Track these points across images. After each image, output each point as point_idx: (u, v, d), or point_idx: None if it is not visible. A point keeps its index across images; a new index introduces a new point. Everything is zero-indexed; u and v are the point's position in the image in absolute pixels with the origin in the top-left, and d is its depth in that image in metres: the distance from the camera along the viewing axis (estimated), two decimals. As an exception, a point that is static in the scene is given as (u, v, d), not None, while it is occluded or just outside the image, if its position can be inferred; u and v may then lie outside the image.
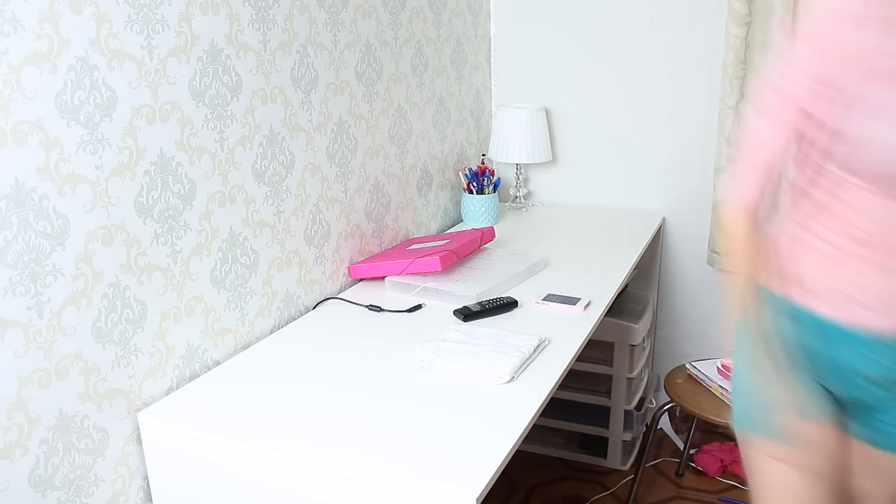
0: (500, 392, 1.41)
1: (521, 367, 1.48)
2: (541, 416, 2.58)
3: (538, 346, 1.56)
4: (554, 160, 2.81)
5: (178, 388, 1.48)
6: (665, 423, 2.73)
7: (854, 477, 1.23)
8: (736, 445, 2.54)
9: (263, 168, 1.66)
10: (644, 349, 2.54)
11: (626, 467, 2.53)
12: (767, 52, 2.33)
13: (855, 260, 1.11)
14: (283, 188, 1.73)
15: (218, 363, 1.58)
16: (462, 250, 1.97)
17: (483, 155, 2.69)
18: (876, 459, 1.22)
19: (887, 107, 1.01)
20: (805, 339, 1.18)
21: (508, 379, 1.43)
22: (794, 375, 1.19)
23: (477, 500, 1.11)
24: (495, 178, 2.56)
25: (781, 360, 1.19)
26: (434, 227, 2.48)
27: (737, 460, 2.48)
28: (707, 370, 2.16)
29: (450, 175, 2.57)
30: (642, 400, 2.61)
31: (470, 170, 2.54)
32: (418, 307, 1.82)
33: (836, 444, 1.20)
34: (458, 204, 2.64)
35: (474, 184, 2.53)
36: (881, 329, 1.11)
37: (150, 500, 1.43)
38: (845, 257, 1.12)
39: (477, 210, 2.53)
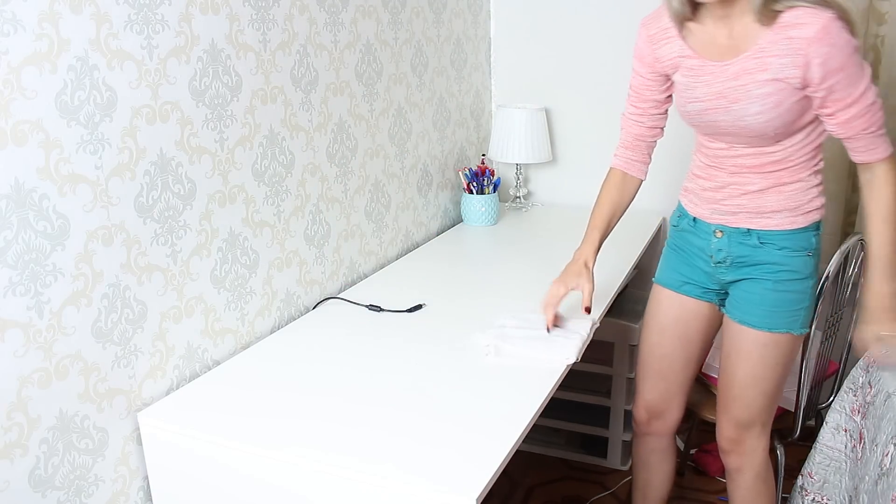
0: (500, 392, 1.41)
1: (582, 347, 1.56)
2: (541, 416, 2.57)
3: (592, 326, 1.66)
4: (554, 160, 2.81)
5: (178, 388, 1.48)
6: (665, 423, 2.72)
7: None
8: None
9: (263, 168, 1.66)
10: (644, 349, 2.54)
11: (626, 467, 2.53)
12: None
13: (697, 178, 1.67)
14: (283, 188, 1.73)
15: (218, 363, 1.58)
16: None
17: (483, 155, 2.69)
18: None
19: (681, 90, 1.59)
20: (683, 229, 1.73)
21: (575, 360, 1.51)
22: (672, 256, 1.77)
23: (477, 500, 1.11)
24: (495, 178, 2.56)
25: (671, 246, 1.78)
26: (434, 227, 2.48)
27: (737, 460, 2.48)
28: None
29: (450, 175, 2.57)
30: (642, 400, 2.61)
31: (470, 170, 2.54)
32: (418, 307, 1.82)
33: (678, 304, 1.76)
34: (458, 204, 2.64)
35: (474, 184, 2.53)
36: (713, 222, 1.64)
37: (150, 500, 1.43)
38: (693, 177, 1.69)
39: (477, 210, 2.53)
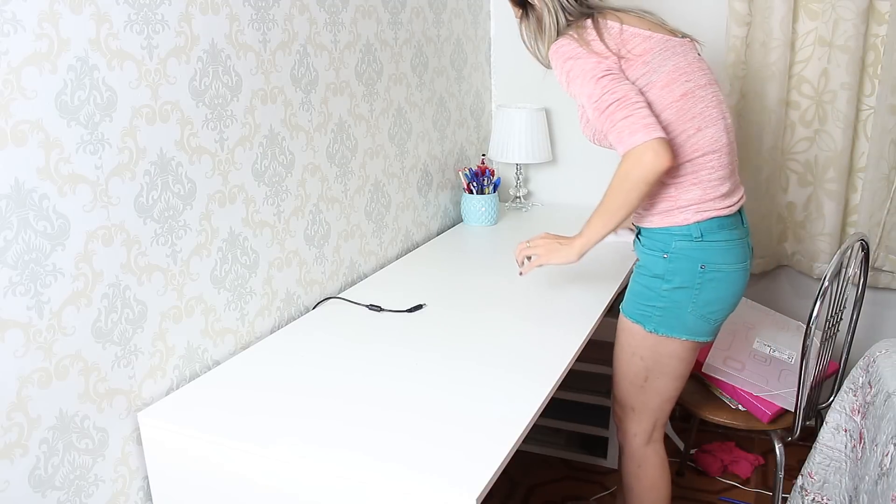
0: (500, 391, 1.41)
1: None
2: (541, 416, 2.58)
3: None
4: (554, 160, 2.81)
5: (178, 388, 1.48)
6: (665, 423, 2.73)
7: None
8: (736, 445, 2.54)
9: (263, 168, 1.66)
10: (644, 349, 2.54)
11: (626, 467, 2.53)
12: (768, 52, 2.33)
13: None
14: (283, 188, 1.73)
15: (218, 363, 1.58)
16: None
17: (483, 155, 2.69)
18: None
19: None
20: None
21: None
22: None
23: (477, 500, 1.11)
24: (495, 178, 2.56)
25: None
26: (434, 227, 2.48)
27: (737, 460, 2.48)
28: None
29: (450, 175, 2.57)
30: (642, 400, 2.61)
31: (470, 170, 2.54)
32: (418, 307, 1.82)
33: None
34: (458, 204, 2.64)
35: (474, 184, 2.53)
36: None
37: (150, 500, 1.43)
38: None
39: (477, 210, 2.53)
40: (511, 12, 2.73)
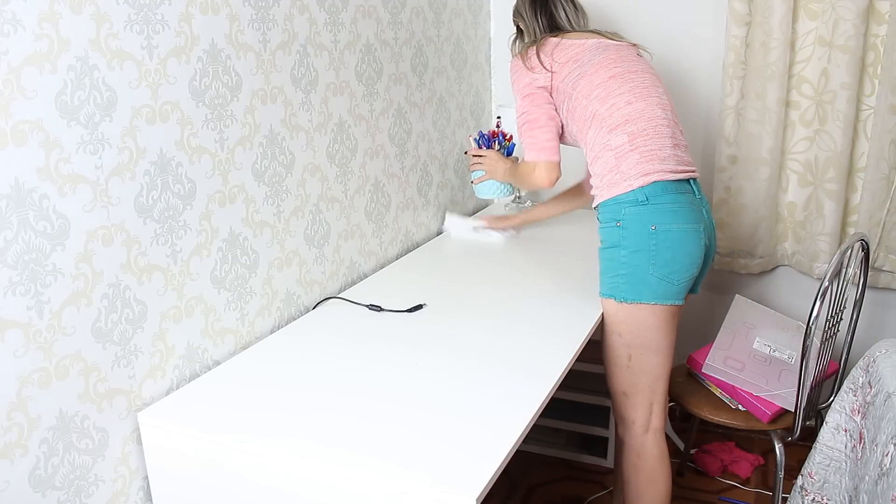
0: (500, 391, 1.41)
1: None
2: (541, 416, 2.58)
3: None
4: (554, 160, 2.80)
5: (178, 388, 1.48)
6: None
7: None
8: (736, 445, 2.54)
9: (263, 168, 1.66)
10: (644, 349, 2.54)
11: (626, 467, 2.53)
12: (767, 52, 2.33)
13: None
14: (283, 188, 1.73)
15: (218, 363, 1.58)
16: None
17: (498, 117, 2.59)
18: None
19: None
20: None
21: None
22: None
23: (477, 500, 1.11)
24: (510, 143, 2.34)
25: None
26: (434, 227, 2.48)
27: (737, 460, 2.48)
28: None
29: (450, 175, 2.56)
30: (642, 400, 2.61)
31: (481, 132, 2.36)
32: (418, 307, 1.82)
33: None
34: (458, 203, 2.64)
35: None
36: None
37: (150, 500, 1.43)
38: None
39: (490, 182, 2.31)
40: (510, 13, 2.75)
